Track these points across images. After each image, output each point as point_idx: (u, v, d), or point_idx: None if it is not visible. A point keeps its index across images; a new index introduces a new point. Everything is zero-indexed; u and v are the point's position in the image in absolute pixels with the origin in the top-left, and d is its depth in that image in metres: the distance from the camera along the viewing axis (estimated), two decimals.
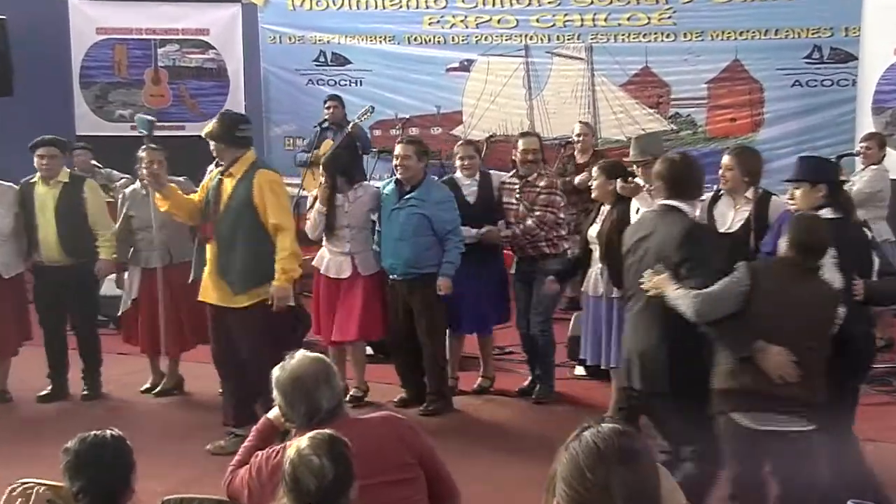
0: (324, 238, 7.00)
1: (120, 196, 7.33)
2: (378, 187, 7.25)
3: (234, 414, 6.09)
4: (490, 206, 7.02)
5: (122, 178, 9.65)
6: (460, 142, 7.42)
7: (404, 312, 6.85)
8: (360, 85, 11.64)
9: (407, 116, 11.21)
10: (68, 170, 7.03)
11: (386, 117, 11.35)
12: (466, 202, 6.97)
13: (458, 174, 7.10)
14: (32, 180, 6.95)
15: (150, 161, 6.39)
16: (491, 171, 7.27)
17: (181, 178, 6.82)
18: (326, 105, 10.32)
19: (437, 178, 9.44)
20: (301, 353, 3.47)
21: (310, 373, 3.37)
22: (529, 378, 7.14)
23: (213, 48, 12.19)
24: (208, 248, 5.96)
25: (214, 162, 6.17)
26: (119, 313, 7.32)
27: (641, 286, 4.67)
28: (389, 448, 3.38)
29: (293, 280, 5.93)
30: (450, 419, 6.77)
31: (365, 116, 9.85)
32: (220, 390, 6.35)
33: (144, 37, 12.17)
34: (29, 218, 6.86)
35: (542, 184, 6.94)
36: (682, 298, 4.47)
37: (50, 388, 7.08)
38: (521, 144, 7.03)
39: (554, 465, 2.06)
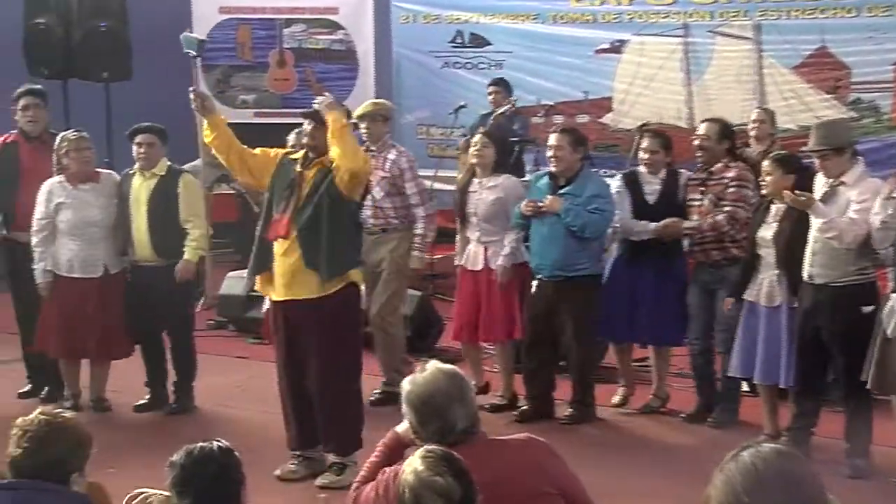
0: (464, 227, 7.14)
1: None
2: (517, 180, 7.31)
3: (306, 436, 6.02)
4: (673, 209, 6.79)
5: None
6: (646, 129, 7.18)
7: (545, 316, 6.85)
8: (500, 68, 11.61)
9: (551, 103, 11.17)
10: (168, 162, 7.06)
11: (528, 104, 11.31)
12: (645, 202, 6.84)
13: (641, 168, 6.98)
14: (131, 171, 7.05)
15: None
16: (681, 170, 7.01)
17: None
18: (489, 91, 10.34)
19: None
20: (434, 366, 3.45)
21: (443, 389, 3.36)
22: (697, 403, 6.92)
23: (342, 28, 12.37)
24: (279, 245, 5.83)
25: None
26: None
27: None
28: (527, 474, 3.35)
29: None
30: (593, 435, 6.73)
31: (507, 112, 9.87)
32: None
33: (269, 16, 12.43)
34: (124, 212, 6.96)
35: (730, 175, 6.69)
36: None
37: (148, 397, 7.19)
38: (698, 129, 6.92)
39: (708, 488, 2.04)
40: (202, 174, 9.88)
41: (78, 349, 7.04)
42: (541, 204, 6.74)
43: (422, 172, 9.45)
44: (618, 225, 6.91)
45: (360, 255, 6.10)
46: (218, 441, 3.17)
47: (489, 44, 11.84)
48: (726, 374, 6.66)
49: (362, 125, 7.21)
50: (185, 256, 6.91)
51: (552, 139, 6.88)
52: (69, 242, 6.89)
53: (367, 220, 6.96)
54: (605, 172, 10.87)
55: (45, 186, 6.92)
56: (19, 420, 3.24)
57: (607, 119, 11.34)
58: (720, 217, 6.61)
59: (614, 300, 6.91)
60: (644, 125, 10.40)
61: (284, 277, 5.84)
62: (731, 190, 6.65)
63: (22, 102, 7.24)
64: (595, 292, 6.90)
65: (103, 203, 6.95)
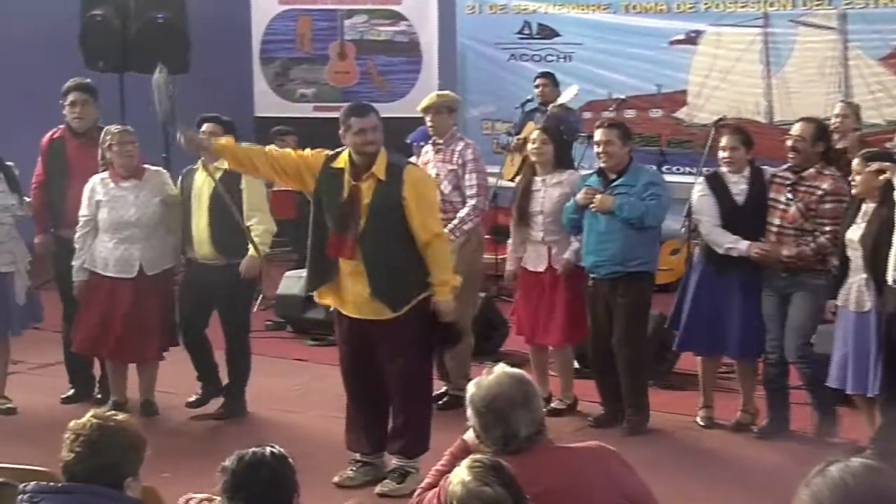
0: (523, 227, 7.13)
1: None
2: (581, 175, 7.29)
3: (370, 440, 6.08)
4: (762, 208, 6.68)
5: None
6: (722, 125, 7.14)
7: (606, 317, 6.83)
8: (569, 61, 11.60)
9: (622, 97, 11.10)
10: None
11: (598, 97, 11.26)
12: (734, 204, 6.72)
13: (724, 168, 6.86)
14: (195, 167, 7.07)
15: None
16: (764, 168, 6.90)
17: None
18: (536, 84, 10.35)
19: (655, 167, 9.44)
20: (500, 369, 3.47)
21: (507, 393, 3.37)
22: (767, 418, 6.80)
23: (405, 19, 12.40)
24: (345, 263, 5.83)
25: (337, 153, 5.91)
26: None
27: None
28: (595, 485, 3.35)
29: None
30: (665, 448, 6.67)
31: (570, 100, 9.87)
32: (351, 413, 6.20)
33: (330, 7, 12.49)
34: (186, 208, 6.99)
35: (825, 186, 6.48)
36: None
37: (200, 392, 7.21)
38: (792, 129, 6.76)
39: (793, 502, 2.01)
40: None
41: (100, 348, 7.10)
42: (594, 202, 6.70)
43: (487, 169, 9.47)
44: (706, 234, 6.81)
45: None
46: (271, 446, 3.19)
47: (558, 35, 11.80)
48: (812, 384, 6.54)
49: (427, 118, 7.24)
50: (250, 253, 6.90)
51: (600, 134, 6.82)
52: (107, 241, 6.95)
53: None
54: (678, 169, 10.87)
55: (89, 184, 6.99)
56: (72, 423, 3.26)
57: (681, 114, 11.26)
58: (822, 240, 6.43)
59: (699, 310, 6.81)
60: (720, 120, 10.36)
61: (354, 298, 5.86)
62: (829, 206, 6.46)
63: (70, 98, 7.27)
64: (648, 291, 6.92)
65: (143, 202, 6.96)
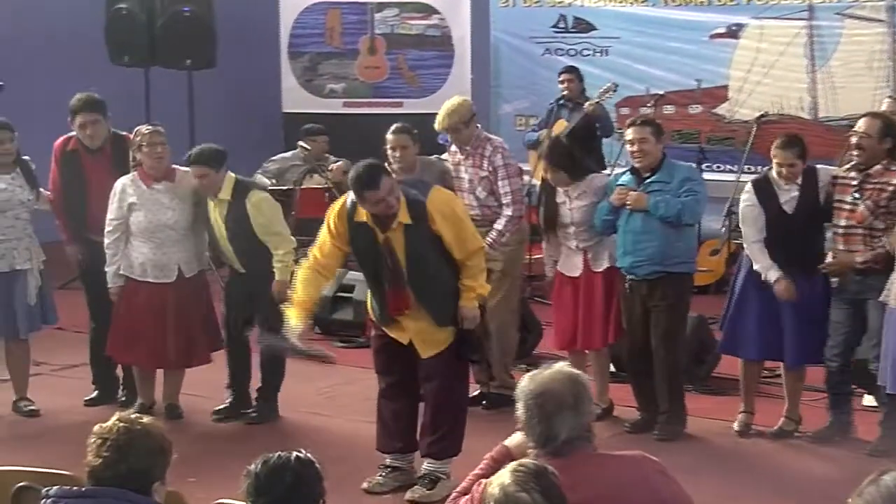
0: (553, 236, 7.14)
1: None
2: (608, 175, 7.25)
3: (401, 436, 6.12)
4: (814, 215, 6.61)
5: (338, 162, 9.93)
6: (779, 139, 6.79)
7: (643, 319, 6.81)
8: (606, 55, 11.57)
9: (661, 92, 11.06)
10: (234, 179, 6.92)
11: (635, 93, 11.23)
12: (782, 212, 6.63)
13: (773, 173, 6.76)
14: None
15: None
16: (818, 167, 6.78)
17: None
18: (561, 79, 10.35)
19: (695, 165, 9.40)
20: (558, 367, 3.49)
21: (557, 391, 3.37)
22: (828, 421, 6.72)
23: (438, 13, 12.40)
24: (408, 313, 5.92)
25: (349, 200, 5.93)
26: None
27: None
28: (636, 496, 3.35)
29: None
30: (704, 454, 6.64)
31: (607, 95, 9.90)
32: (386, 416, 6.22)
33: (360, 0, 12.53)
34: (205, 218, 7.00)
35: (895, 182, 6.42)
36: None
37: (229, 401, 7.21)
38: (857, 125, 6.63)
39: None
40: (289, 171, 9.97)
41: (155, 359, 7.10)
42: (629, 200, 6.68)
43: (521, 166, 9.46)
44: (746, 247, 6.76)
45: None
46: (298, 451, 3.19)
47: (594, 29, 11.76)
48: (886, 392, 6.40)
49: (447, 135, 7.28)
50: (277, 277, 6.87)
51: (634, 132, 6.77)
52: (141, 245, 6.94)
53: (475, 218, 6.96)
54: (718, 167, 10.82)
55: (118, 185, 6.96)
56: (97, 427, 3.24)
57: (722, 109, 11.19)
58: None
59: (745, 312, 6.76)
60: (762, 116, 10.34)
61: (423, 337, 5.93)
62: None
63: (78, 120, 7.18)
64: (688, 293, 6.92)
65: (178, 204, 6.97)
